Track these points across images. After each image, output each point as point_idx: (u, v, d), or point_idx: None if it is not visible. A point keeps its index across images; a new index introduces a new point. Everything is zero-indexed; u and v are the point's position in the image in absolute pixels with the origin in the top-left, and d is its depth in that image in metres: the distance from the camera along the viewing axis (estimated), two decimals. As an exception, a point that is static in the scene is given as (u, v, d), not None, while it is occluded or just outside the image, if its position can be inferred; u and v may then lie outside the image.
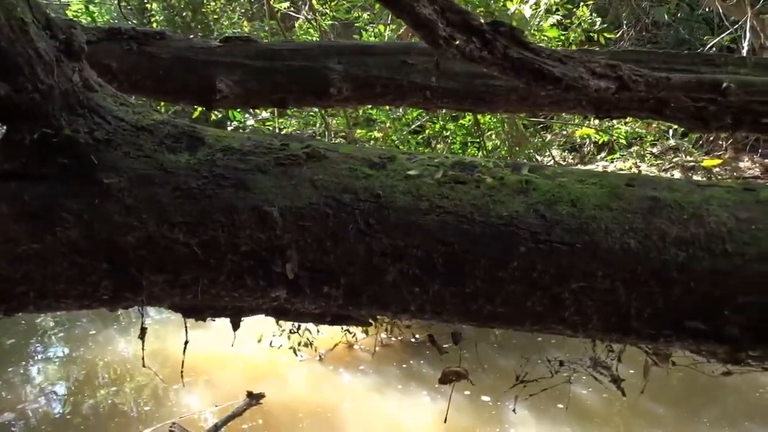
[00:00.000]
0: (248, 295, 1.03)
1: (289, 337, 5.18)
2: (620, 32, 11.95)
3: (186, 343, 1.20)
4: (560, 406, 4.12)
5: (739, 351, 0.97)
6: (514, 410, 2.22)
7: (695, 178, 7.50)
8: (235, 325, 1.19)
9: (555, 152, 13.14)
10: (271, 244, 0.97)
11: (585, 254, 0.92)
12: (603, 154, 11.03)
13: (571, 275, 0.93)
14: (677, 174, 8.57)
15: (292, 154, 1.00)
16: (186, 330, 1.20)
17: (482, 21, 1.05)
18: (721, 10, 9.76)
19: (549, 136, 11.93)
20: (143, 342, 1.14)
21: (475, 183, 0.97)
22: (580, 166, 12.13)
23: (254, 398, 2.99)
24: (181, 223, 0.97)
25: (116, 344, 6.13)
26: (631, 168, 10.88)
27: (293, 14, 5.99)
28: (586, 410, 4.12)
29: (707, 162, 5.27)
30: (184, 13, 12.38)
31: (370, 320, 1.12)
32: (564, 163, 12.62)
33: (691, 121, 1.42)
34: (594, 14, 5.56)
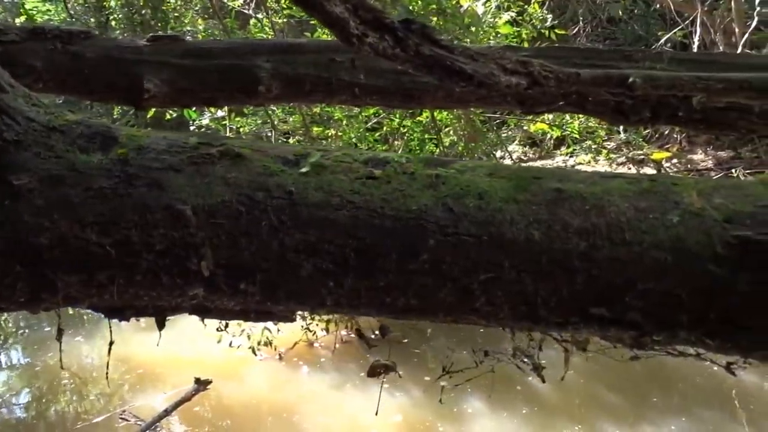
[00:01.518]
0: (166, 294, 1.03)
1: (249, 337, 5.16)
2: (576, 29, 12.15)
3: (111, 343, 1.20)
4: (522, 390, 4.19)
5: (642, 336, 1.01)
6: (440, 400, 2.26)
7: (646, 171, 7.69)
8: (160, 325, 1.19)
9: (516, 147, 13.33)
10: (186, 243, 0.97)
11: (492, 246, 0.95)
12: (563, 149, 11.21)
13: (479, 266, 0.96)
14: (632, 168, 8.75)
15: (206, 153, 1.01)
16: (111, 331, 1.19)
17: (394, 19, 1.06)
18: (672, 7, 10.00)
19: (509, 132, 12.09)
20: (60, 344, 1.13)
21: (387, 178, 0.99)
22: (539, 162, 12.32)
23: (202, 384, 2.99)
24: (94, 223, 0.97)
25: (80, 350, 6.02)
26: (589, 162, 11.09)
27: (248, 12, 5.95)
28: (544, 402, 4.20)
29: (656, 155, 5.40)
30: (143, 11, 12.20)
31: (293, 316, 1.14)
32: (525, 158, 12.81)
33: (612, 115, 1.46)
34: (546, 11, 5.64)
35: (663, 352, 1.04)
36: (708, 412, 3.87)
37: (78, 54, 1.43)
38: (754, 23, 8.68)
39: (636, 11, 13.60)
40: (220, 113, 5.37)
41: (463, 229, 0.95)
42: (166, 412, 3.09)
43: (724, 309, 0.94)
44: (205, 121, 5.19)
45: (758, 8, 8.64)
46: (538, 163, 12.48)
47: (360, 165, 1.01)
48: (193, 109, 5.46)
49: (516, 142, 13.33)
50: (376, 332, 5.36)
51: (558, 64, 1.47)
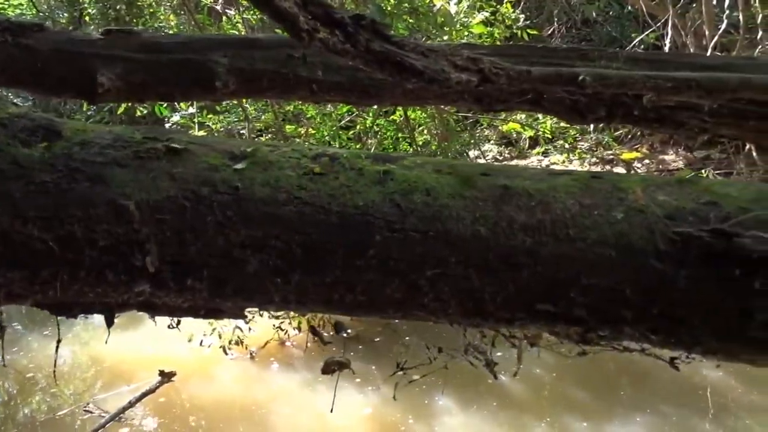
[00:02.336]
0: (112, 290, 1.02)
1: (220, 336, 5.12)
2: (551, 29, 12.26)
3: (58, 341, 1.18)
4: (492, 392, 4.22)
5: (588, 331, 1.02)
6: (394, 397, 2.26)
7: (617, 171, 7.77)
8: (109, 322, 1.17)
9: (491, 147, 13.40)
10: (130, 238, 0.96)
11: (438, 241, 0.95)
12: (538, 149, 11.29)
13: (426, 262, 0.96)
14: (603, 168, 8.83)
15: (152, 148, 1.00)
16: (58, 328, 1.17)
17: (344, 14, 1.06)
18: (645, 9, 10.13)
19: (485, 132, 12.15)
20: (2, 342, 1.11)
21: (335, 174, 0.99)
22: (514, 161, 12.40)
23: (166, 376, 2.97)
24: (36, 218, 0.95)
25: (52, 349, 5.92)
26: (563, 162, 11.19)
27: (224, 8, 5.90)
28: (514, 398, 4.23)
29: (626, 155, 5.47)
30: (117, 6, 12.05)
31: (243, 313, 1.13)
32: (500, 158, 12.88)
33: (568, 113, 1.48)
34: (522, 12, 5.68)
35: (609, 348, 1.06)
36: (673, 408, 3.93)
37: (30, 47, 1.40)
38: (723, 26, 8.83)
39: (611, 13, 13.77)
40: (191, 110, 5.32)
41: (410, 225, 0.95)
42: (130, 404, 3.08)
43: (666, 304, 0.95)
44: (176, 118, 5.15)
45: (727, 12, 8.78)
46: (513, 163, 12.58)
47: (308, 161, 1.01)
48: (165, 105, 5.41)
49: (492, 141, 13.43)
50: (349, 330, 5.36)
51: (516, 62, 1.48)
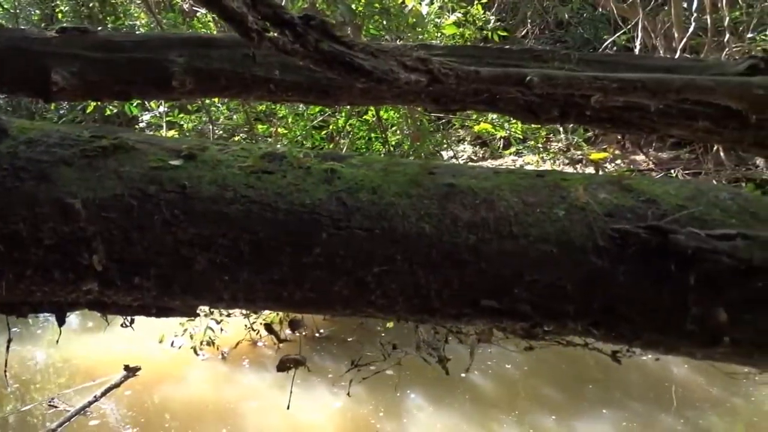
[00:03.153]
0: (60, 289, 1.02)
1: (191, 337, 5.09)
2: (525, 31, 12.38)
3: (9, 340, 1.17)
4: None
5: (533, 327, 1.04)
6: (348, 394, 2.28)
7: (587, 171, 7.87)
8: (60, 321, 1.17)
9: (467, 147, 13.48)
10: (76, 237, 0.96)
11: (384, 239, 0.97)
12: (512, 149, 11.37)
13: (372, 259, 0.97)
14: (572, 169, 8.93)
15: (99, 146, 1.00)
16: (9, 328, 1.17)
17: (294, 15, 1.07)
18: (616, 11, 10.28)
19: (461, 132, 12.22)
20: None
21: (282, 173, 1.00)
22: (488, 162, 12.49)
23: (131, 371, 2.97)
24: (-19, 217, 0.95)
25: (23, 353, 5.83)
26: (536, 162, 11.30)
27: (192, 7, 5.86)
28: (484, 395, 4.27)
29: (594, 156, 5.54)
30: (90, 4, 11.89)
31: (195, 311, 1.13)
32: (475, 158, 12.96)
33: (522, 113, 1.50)
34: (495, 13, 5.72)
35: (554, 342, 1.08)
36: (639, 403, 4.00)
37: (-18, 45, 1.39)
38: (692, 29, 8.99)
39: (585, 15, 13.94)
40: (161, 109, 5.28)
41: (356, 222, 0.97)
42: (96, 398, 3.06)
43: (606, 299, 0.97)
44: (147, 117, 5.10)
45: (695, 15, 8.94)
46: (487, 163, 12.68)
47: (256, 160, 1.02)
48: (135, 104, 5.36)
49: (466, 142, 13.50)
50: (321, 331, 5.36)
51: (471, 62, 1.51)
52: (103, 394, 3.08)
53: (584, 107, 1.48)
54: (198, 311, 1.19)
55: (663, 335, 1.00)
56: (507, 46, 1.58)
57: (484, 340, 1.21)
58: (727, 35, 9.16)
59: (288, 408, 2.33)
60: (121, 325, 1.22)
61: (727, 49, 9.00)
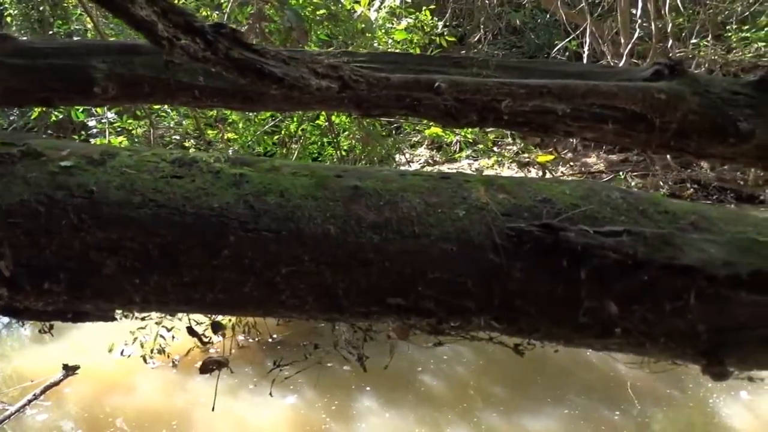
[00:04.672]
0: (-32, 295, 1.02)
1: (142, 345, 5.02)
2: (478, 36, 12.57)
3: None
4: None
5: (440, 323, 1.08)
6: (270, 393, 2.31)
7: (533, 174, 8.05)
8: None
9: (424, 151, 13.60)
10: (-18, 243, 0.96)
11: (291, 240, 1.00)
12: (463, 152, 11.54)
13: (280, 260, 1.00)
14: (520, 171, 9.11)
15: (7, 153, 1.00)
16: None
17: (204, 23, 1.09)
18: (565, 17, 10.53)
19: (417, 136, 12.33)
20: None
21: (191, 177, 1.02)
22: (445, 165, 12.64)
23: (70, 370, 2.94)
24: None
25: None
26: (492, 165, 11.48)
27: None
28: (433, 396, 4.32)
29: (541, 158, 5.68)
30: (41, 7, 11.61)
31: (112, 315, 1.14)
32: (431, 162, 13.09)
33: (442, 118, 1.55)
34: (437, 18, 5.81)
35: (459, 337, 1.12)
36: (585, 400, 4.10)
37: None
38: (636, 35, 9.26)
39: (539, 21, 14.23)
40: (110, 115, 5.20)
41: (264, 225, 0.99)
42: (35, 396, 3.03)
43: (505, 295, 1.02)
44: (92, 123, 5.03)
45: (639, 21, 9.23)
46: (444, 167, 12.82)
47: (167, 165, 1.04)
48: (80, 110, 5.28)
49: (423, 146, 13.64)
50: (274, 335, 5.35)
51: (392, 69, 1.55)
52: (42, 392, 3.05)
53: (501, 111, 1.53)
54: (123, 315, 1.20)
55: (559, 327, 1.05)
56: (428, 54, 1.63)
57: (401, 337, 1.25)
58: (671, 41, 9.49)
59: (213, 410, 2.32)
60: (40, 331, 1.21)
61: (671, 54, 9.31)
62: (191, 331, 1.65)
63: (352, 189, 1.04)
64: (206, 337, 5.28)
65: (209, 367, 1.37)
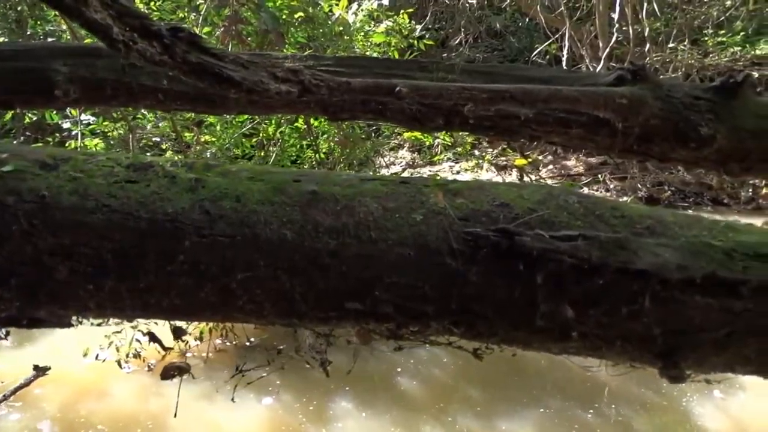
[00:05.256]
0: None
1: (117, 349, 4.97)
2: (459, 39, 12.62)
3: None
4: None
5: (398, 327, 1.08)
6: (232, 399, 2.30)
7: (509, 176, 8.09)
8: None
9: (405, 154, 13.63)
10: (-69, 249, 0.95)
11: (247, 246, 0.99)
12: (442, 155, 11.59)
13: (235, 266, 1.00)
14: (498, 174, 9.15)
15: (-43, 157, 0.99)
16: None
17: (162, 26, 1.09)
18: (544, 21, 10.61)
19: (398, 139, 12.35)
20: None
21: (146, 182, 1.01)
22: (427, 168, 12.67)
23: (40, 371, 2.91)
24: None
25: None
26: (474, 168, 11.53)
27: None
28: (410, 399, 4.32)
29: (518, 161, 5.71)
30: (19, 7, 11.46)
31: (68, 321, 1.13)
32: (413, 164, 13.12)
33: (409, 122, 1.55)
34: (414, 22, 5.82)
35: (419, 342, 1.12)
36: (560, 401, 4.13)
37: None
38: (614, 39, 9.36)
39: (520, 25, 14.34)
40: (85, 117, 5.15)
41: (219, 230, 0.99)
42: (5, 397, 3.00)
43: (462, 299, 1.02)
44: (68, 125, 4.98)
45: (617, 25, 9.33)
46: (425, 169, 12.86)
47: (122, 169, 1.03)
48: (55, 112, 5.22)
49: (405, 149, 13.67)
50: (252, 339, 5.32)
51: (360, 73, 1.55)
52: (12, 393, 3.02)
53: (466, 115, 1.54)
54: (79, 322, 1.19)
55: (517, 331, 1.06)
56: (396, 58, 1.63)
57: (363, 342, 1.25)
58: (648, 45, 9.60)
59: (175, 416, 2.30)
60: (6, 336, 1.19)
61: (648, 58, 9.43)
62: (152, 337, 1.63)
63: (309, 194, 1.04)
64: (185, 341, 5.24)
65: (170, 372, 1.36)
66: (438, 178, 1.07)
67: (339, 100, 1.36)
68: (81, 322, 1.19)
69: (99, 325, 4.45)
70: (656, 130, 1.51)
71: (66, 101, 1.44)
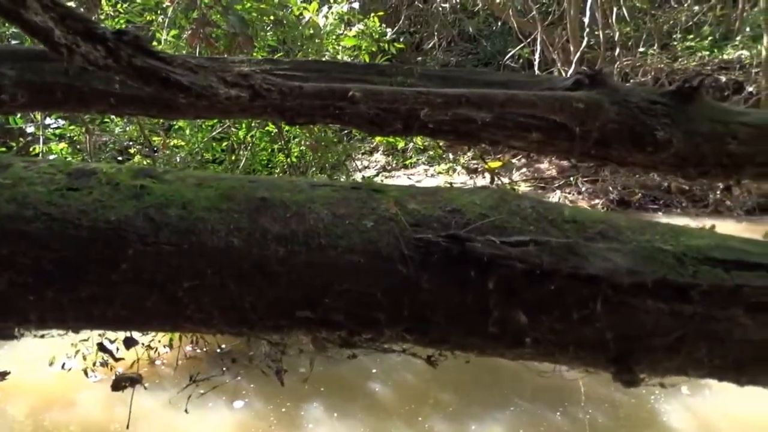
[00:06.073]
0: None
1: (84, 358, 4.88)
2: (432, 43, 12.69)
3: None
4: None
5: (351, 335, 1.07)
6: (186, 410, 2.27)
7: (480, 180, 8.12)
8: None
9: (380, 157, 13.64)
10: None
11: (193, 254, 0.97)
12: (413, 159, 11.61)
13: (182, 274, 0.97)
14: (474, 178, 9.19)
15: None
16: None
17: (106, 29, 1.06)
18: (516, 26, 10.70)
19: (373, 143, 12.34)
20: None
21: (89, 190, 0.98)
22: (401, 171, 12.69)
23: (0, 375, 2.83)
24: None
25: None
26: (448, 171, 11.57)
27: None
28: (381, 404, 4.31)
29: (490, 164, 5.74)
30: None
31: (11, 333, 1.09)
32: (388, 168, 13.13)
33: (367, 126, 1.54)
34: (384, 25, 5.82)
35: (373, 350, 1.11)
36: (529, 403, 4.15)
37: None
38: (584, 43, 9.47)
39: (494, 29, 14.44)
40: (49, 120, 5.06)
41: (164, 238, 0.96)
42: None
43: (414, 305, 1.01)
44: (30, 129, 4.88)
45: (587, 30, 9.44)
46: (401, 173, 12.88)
47: (63, 176, 1.00)
48: (19, 116, 5.11)
49: (379, 152, 13.67)
50: (223, 345, 5.26)
51: (317, 77, 1.53)
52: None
53: (426, 120, 1.53)
54: (21, 333, 1.16)
55: (470, 338, 1.05)
56: (353, 62, 1.62)
57: (318, 350, 1.23)
58: (618, 49, 9.73)
59: (127, 427, 2.26)
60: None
61: (618, 62, 9.56)
62: (102, 347, 1.61)
63: (259, 200, 1.02)
64: (153, 349, 5.17)
65: (121, 383, 1.32)
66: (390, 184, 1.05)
67: (296, 104, 1.34)
68: (23, 334, 1.16)
69: (65, 334, 4.37)
70: (614, 134, 1.51)
71: (13, 106, 1.40)
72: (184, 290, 0.98)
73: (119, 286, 0.97)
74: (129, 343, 1.26)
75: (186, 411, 2.17)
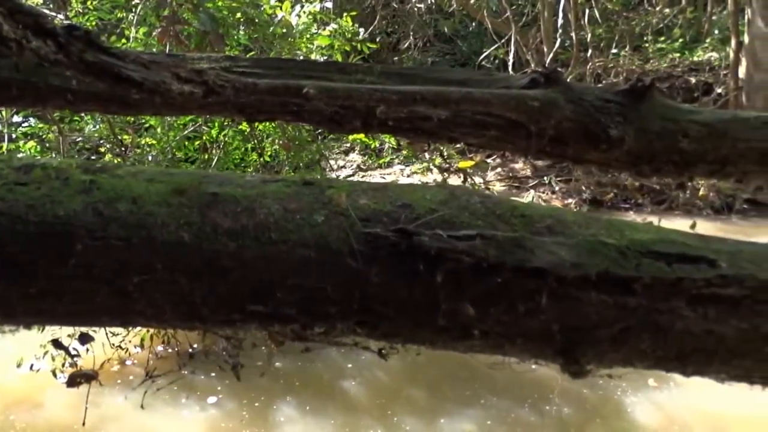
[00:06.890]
0: None
1: (53, 358, 4.82)
2: (407, 43, 12.74)
3: None
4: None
5: (304, 328, 1.08)
6: (141, 406, 2.27)
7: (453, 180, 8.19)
8: None
9: (356, 157, 13.64)
10: None
11: (142, 248, 0.97)
12: (388, 158, 11.65)
13: (131, 269, 0.98)
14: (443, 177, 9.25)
15: None
16: None
17: (57, 24, 1.06)
18: (491, 26, 10.78)
19: (349, 142, 12.35)
20: None
21: (37, 185, 0.98)
22: (377, 171, 12.72)
23: None
24: None
25: None
26: (423, 170, 11.63)
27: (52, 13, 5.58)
28: (355, 404, 4.32)
29: (462, 164, 5.78)
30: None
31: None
32: (364, 167, 13.14)
33: (327, 123, 1.55)
34: (356, 25, 5.84)
35: (326, 343, 1.12)
36: (500, 400, 4.20)
37: None
38: (558, 44, 9.58)
39: (470, 29, 14.53)
40: (16, 118, 4.99)
41: (113, 232, 0.97)
42: None
43: (364, 299, 1.03)
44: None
45: (560, 30, 9.55)
46: (377, 172, 12.90)
47: (11, 171, 1.00)
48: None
49: (355, 151, 13.68)
50: (195, 345, 5.23)
51: (277, 74, 1.54)
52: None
53: (386, 118, 1.55)
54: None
55: (420, 331, 1.07)
56: (314, 60, 1.63)
57: (276, 344, 1.24)
58: (590, 51, 9.86)
59: (84, 424, 2.25)
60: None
61: (590, 63, 9.69)
62: (57, 344, 1.60)
63: (210, 195, 1.02)
64: (124, 349, 5.13)
65: (76, 380, 1.32)
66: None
67: (254, 101, 1.35)
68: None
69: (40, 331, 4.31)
70: (569, 132, 1.54)
71: (-32, 102, 1.39)
72: (134, 285, 0.99)
73: (69, 282, 0.97)
74: (84, 339, 1.25)
75: (142, 407, 2.15)
